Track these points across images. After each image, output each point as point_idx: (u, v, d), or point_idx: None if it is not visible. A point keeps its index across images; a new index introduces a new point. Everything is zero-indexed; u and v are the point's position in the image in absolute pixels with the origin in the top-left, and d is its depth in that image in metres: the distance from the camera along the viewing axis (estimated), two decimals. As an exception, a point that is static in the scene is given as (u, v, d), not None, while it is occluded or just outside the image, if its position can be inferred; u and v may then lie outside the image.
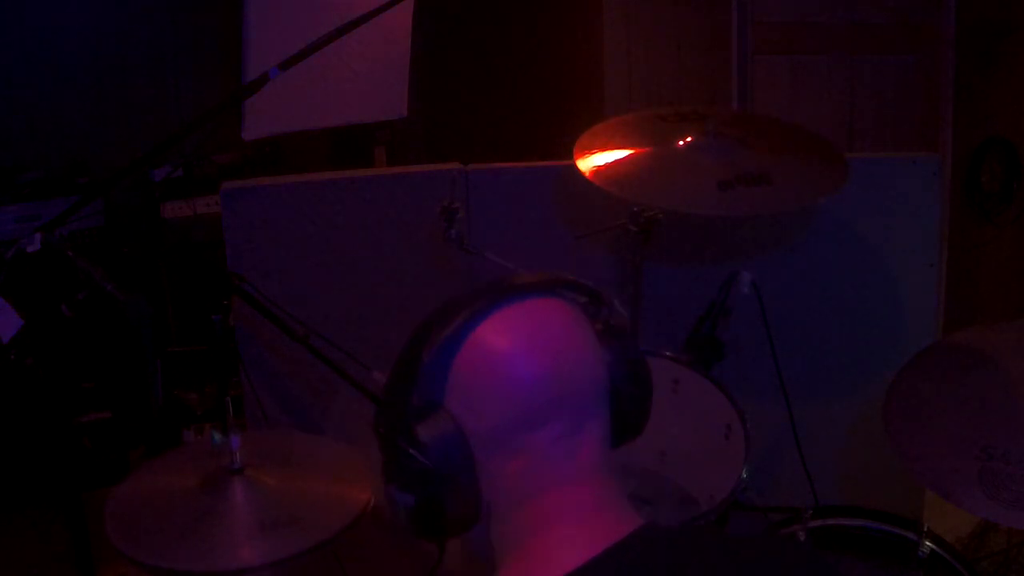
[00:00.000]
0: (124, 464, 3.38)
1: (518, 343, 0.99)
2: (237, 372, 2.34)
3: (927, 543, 1.79)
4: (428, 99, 4.11)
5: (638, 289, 2.10)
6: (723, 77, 3.55)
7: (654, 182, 2.00)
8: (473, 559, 1.09)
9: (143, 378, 3.46)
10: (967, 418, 1.66)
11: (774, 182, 1.96)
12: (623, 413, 1.05)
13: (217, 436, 1.73)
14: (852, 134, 3.41)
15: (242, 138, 2.44)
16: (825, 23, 3.41)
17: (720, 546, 1.02)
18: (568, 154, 2.06)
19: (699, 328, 2.09)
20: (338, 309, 2.34)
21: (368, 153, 4.11)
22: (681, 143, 2.06)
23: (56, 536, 3.05)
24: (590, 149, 2.06)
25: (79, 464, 3.28)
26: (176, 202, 3.65)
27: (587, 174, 1.99)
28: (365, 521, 1.68)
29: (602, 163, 2.03)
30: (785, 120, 2.38)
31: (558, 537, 0.98)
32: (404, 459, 0.99)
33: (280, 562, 1.56)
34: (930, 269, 2.45)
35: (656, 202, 1.98)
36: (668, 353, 2.07)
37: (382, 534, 2.45)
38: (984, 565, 2.56)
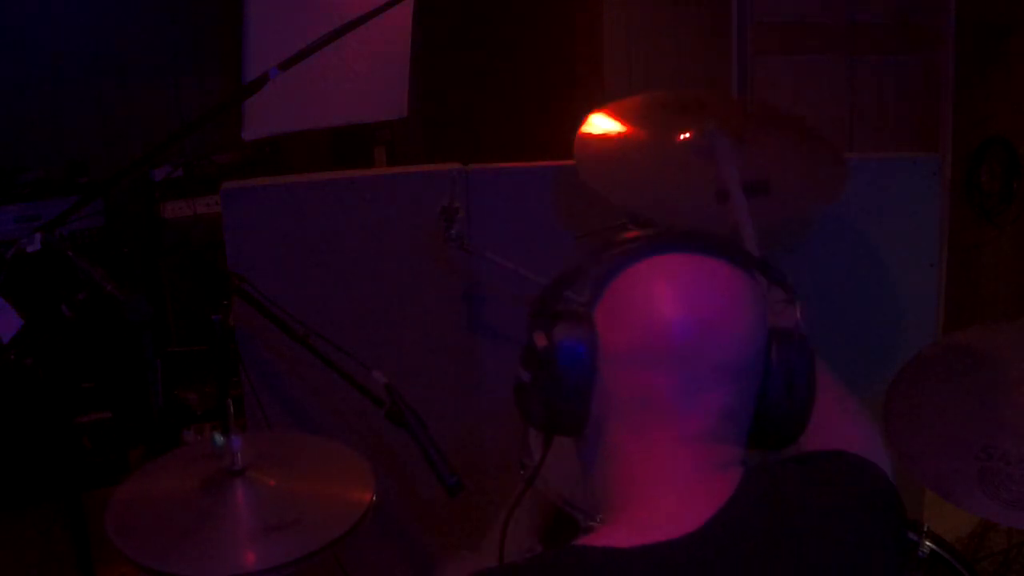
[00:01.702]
0: (124, 464, 3.38)
1: (674, 285, 1.02)
2: (237, 372, 2.34)
3: (927, 543, 1.79)
4: (428, 99, 4.11)
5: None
6: (723, 77, 3.55)
7: (651, 191, 1.99)
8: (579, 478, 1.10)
9: (143, 378, 3.46)
10: (967, 418, 1.66)
11: (772, 191, 1.95)
12: (768, 408, 1.04)
13: (218, 438, 1.73)
14: (852, 134, 3.41)
15: (242, 138, 2.45)
16: (825, 23, 3.41)
17: (811, 478, 1.05)
18: (568, 154, 2.06)
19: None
20: (338, 309, 2.34)
21: (368, 153, 4.11)
22: (680, 138, 2.04)
23: (56, 536, 3.05)
24: (588, 148, 2.05)
25: (79, 464, 3.28)
26: (176, 202, 3.65)
27: (584, 178, 1.99)
28: (366, 522, 1.68)
29: (599, 167, 2.02)
30: (786, 112, 2.37)
31: (678, 492, 1.00)
32: (535, 343, 1.03)
33: (282, 567, 1.56)
34: (930, 269, 2.45)
35: (655, 213, 1.97)
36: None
37: (383, 535, 2.45)
38: (984, 565, 2.56)
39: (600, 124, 2.08)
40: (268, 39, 2.35)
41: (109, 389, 3.43)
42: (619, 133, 2.07)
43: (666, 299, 1.01)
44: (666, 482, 1.01)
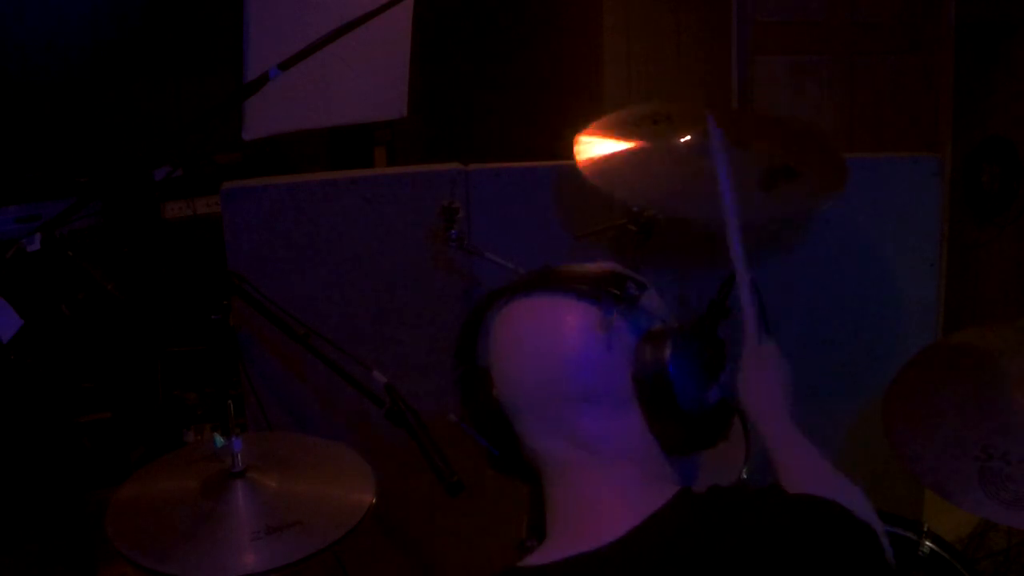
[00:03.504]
0: (124, 464, 3.38)
1: (511, 341, 1.11)
2: (237, 372, 2.33)
3: (927, 543, 1.79)
4: (428, 99, 4.11)
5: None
6: (723, 77, 3.54)
7: (653, 184, 1.99)
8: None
9: (143, 378, 3.46)
10: (967, 418, 1.66)
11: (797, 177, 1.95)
12: (656, 411, 1.07)
13: (219, 439, 1.73)
14: (852, 134, 3.41)
15: (242, 138, 2.44)
16: (825, 23, 3.41)
17: (750, 503, 1.06)
18: (568, 154, 2.06)
19: (699, 328, 2.08)
20: (338, 309, 2.34)
21: (368, 153, 4.10)
22: (681, 140, 2.05)
23: (56, 536, 3.05)
24: (589, 149, 2.06)
25: (79, 464, 3.28)
26: (176, 202, 3.64)
27: (587, 174, 1.99)
28: (367, 523, 1.68)
29: (601, 163, 2.02)
30: (784, 116, 2.38)
31: (602, 509, 1.05)
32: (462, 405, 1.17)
33: (282, 568, 1.55)
34: (930, 269, 2.45)
35: (663, 209, 1.98)
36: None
37: (383, 535, 2.45)
38: (984, 565, 2.56)
39: (596, 141, 2.10)
40: (268, 39, 2.35)
41: (109, 389, 3.43)
42: (617, 143, 2.08)
43: (510, 353, 1.11)
44: (584, 501, 1.07)
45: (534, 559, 1.04)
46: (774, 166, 1.97)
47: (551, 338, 1.08)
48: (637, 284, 1.11)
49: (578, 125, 2.14)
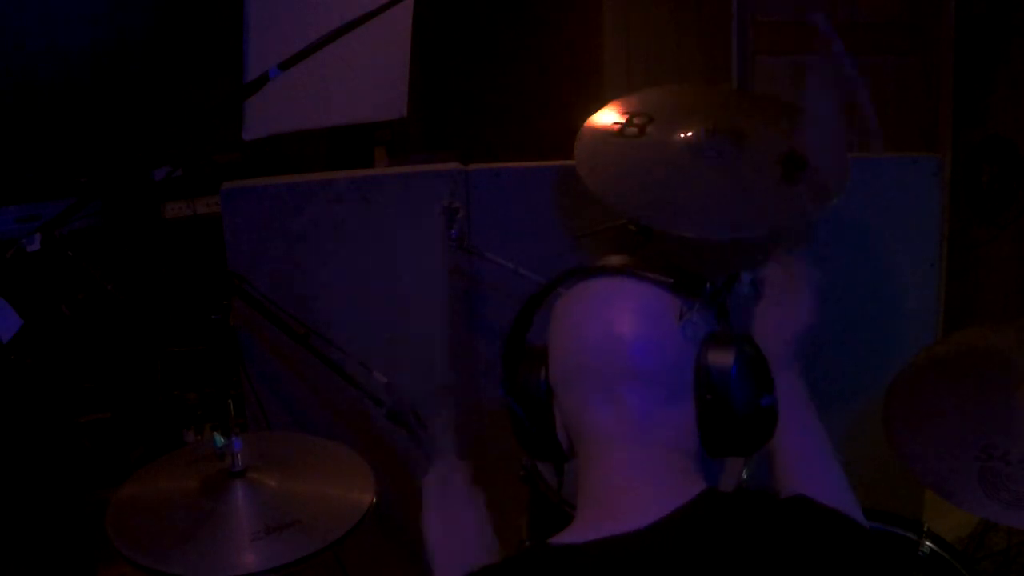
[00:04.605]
0: (124, 464, 3.37)
1: (583, 312, 1.14)
2: (237, 372, 2.33)
3: (927, 543, 1.79)
4: (428, 99, 4.11)
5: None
6: (723, 76, 3.54)
7: (651, 194, 1.99)
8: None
9: (143, 378, 3.46)
10: (967, 418, 1.66)
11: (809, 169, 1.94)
12: (709, 409, 1.10)
13: (219, 439, 1.73)
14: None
15: (242, 138, 2.44)
16: (825, 23, 3.41)
17: (775, 511, 1.10)
18: (568, 154, 2.06)
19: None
20: (338, 309, 2.34)
21: (368, 153, 4.10)
22: (680, 136, 2.04)
23: (56, 536, 3.05)
24: (587, 149, 2.05)
25: (79, 464, 3.27)
26: (176, 202, 3.64)
27: (585, 181, 1.98)
28: (367, 523, 1.68)
29: (600, 169, 2.01)
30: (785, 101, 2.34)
31: (633, 493, 1.08)
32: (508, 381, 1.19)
33: (282, 568, 1.55)
34: (930, 269, 2.45)
35: (655, 216, 1.97)
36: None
37: (383, 535, 2.45)
38: (984, 565, 2.56)
39: (599, 121, 2.08)
40: (268, 39, 2.35)
41: (109, 389, 3.43)
42: (617, 129, 2.06)
43: (579, 323, 1.14)
44: (617, 482, 1.10)
45: (565, 537, 1.07)
46: (789, 153, 1.96)
47: (627, 315, 1.11)
48: (714, 287, 1.15)
49: (578, 124, 2.14)
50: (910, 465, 1.63)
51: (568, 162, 2.06)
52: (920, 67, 3.29)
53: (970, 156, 3.37)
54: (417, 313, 2.40)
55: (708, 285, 1.14)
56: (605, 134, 2.09)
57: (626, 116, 2.09)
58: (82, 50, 3.82)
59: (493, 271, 2.05)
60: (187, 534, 1.61)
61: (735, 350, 1.10)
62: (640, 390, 1.10)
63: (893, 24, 3.32)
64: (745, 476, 1.83)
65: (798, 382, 1.36)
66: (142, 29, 3.90)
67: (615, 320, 1.11)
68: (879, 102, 3.39)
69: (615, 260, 1.16)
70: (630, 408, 1.10)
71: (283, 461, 1.81)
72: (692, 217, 1.92)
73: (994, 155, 3.36)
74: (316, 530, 1.63)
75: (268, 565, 1.56)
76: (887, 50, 3.34)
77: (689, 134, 2.04)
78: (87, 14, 3.82)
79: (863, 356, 2.46)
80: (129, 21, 3.89)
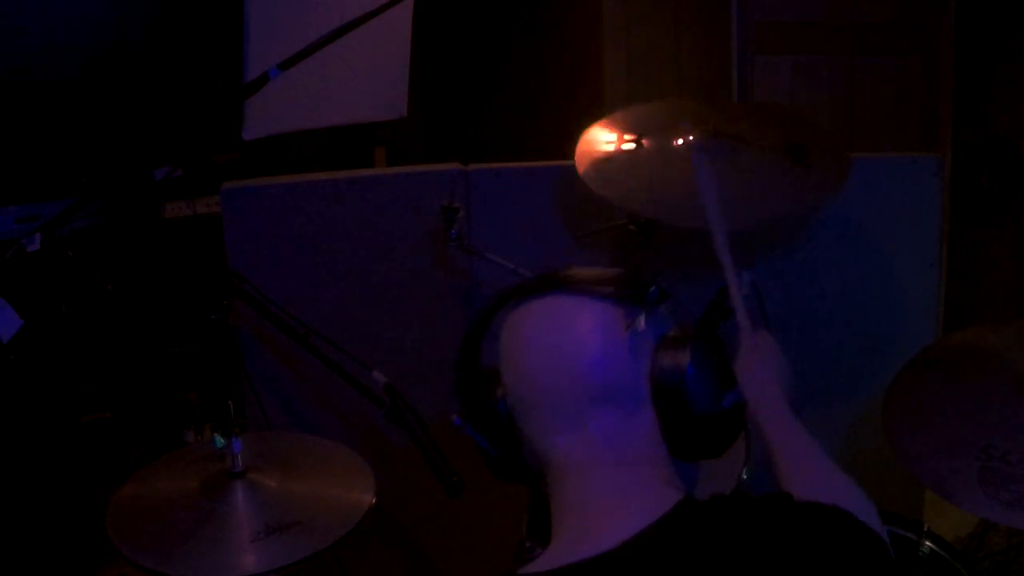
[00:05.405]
0: (124, 464, 3.37)
1: (530, 338, 1.10)
2: (237, 372, 2.33)
3: (927, 543, 1.79)
4: (428, 99, 4.11)
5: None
6: (723, 77, 3.54)
7: (655, 194, 1.99)
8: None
9: (143, 378, 3.46)
10: (967, 418, 1.66)
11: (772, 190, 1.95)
12: (670, 415, 1.07)
13: (219, 439, 1.73)
14: (852, 134, 3.41)
15: (242, 138, 2.44)
16: (825, 23, 3.41)
17: (752, 513, 1.06)
18: (569, 154, 2.06)
19: (701, 330, 2.08)
20: (338, 309, 2.34)
21: (368, 153, 4.10)
22: (678, 143, 2.05)
23: (56, 536, 3.05)
24: (589, 154, 2.05)
25: (79, 464, 3.27)
26: (176, 202, 3.64)
27: (589, 184, 1.98)
28: (367, 523, 1.68)
29: (601, 171, 2.01)
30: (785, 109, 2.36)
31: (605, 512, 1.05)
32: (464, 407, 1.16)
33: (282, 568, 1.55)
34: (930, 269, 2.45)
35: (659, 215, 1.97)
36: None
37: (383, 535, 2.45)
38: (984, 565, 2.56)
39: (598, 139, 2.09)
40: (268, 39, 2.35)
41: (109, 389, 3.42)
42: (617, 146, 2.07)
43: (528, 349, 1.10)
44: (587, 504, 1.06)
45: (534, 566, 1.03)
46: (791, 141, 1.96)
47: (573, 336, 1.08)
48: (659, 288, 1.11)
49: (578, 124, 2.14)
50: (910, 465, 1.63)
51: (568, 162, 2.06)
52: (920, 67, 3.29)
53: (970, 156, 3.37)
54: (417, 313, 2.40)
55: (653, 288, 1.10)
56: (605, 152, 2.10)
57: (622, 134, 2.09)
58: (82, 50, 3.82)
59: (493, 271, 2.05)
60: (187, 534, 1.61)
61: (689, 351, 1.07)
62: (601, 409, 1.07)
63: (893, 24, 3.32)
64: (745, 476, 1.83)
65: (791, 419, 1.30)
66: (142, 29, 3.90)
67: (563, 342, 1.08)
68: (879, 102, 3.41)
69: (554, 276, 1.12)
70: (594, 430, 1.07)
71: (283, 461, 1.81)
72: (696, 210, 1.92)
73: (994, 155, 3.36)
74: (316, 530, 1.63)
75: (268, 566, 1.56)
76: (887, 50, 3.35)
77: (691, 138, 2.04)
78: (87, 14, 3.82)
79: (863, 356, 2.46)
80: (129, 21, 3.89)
